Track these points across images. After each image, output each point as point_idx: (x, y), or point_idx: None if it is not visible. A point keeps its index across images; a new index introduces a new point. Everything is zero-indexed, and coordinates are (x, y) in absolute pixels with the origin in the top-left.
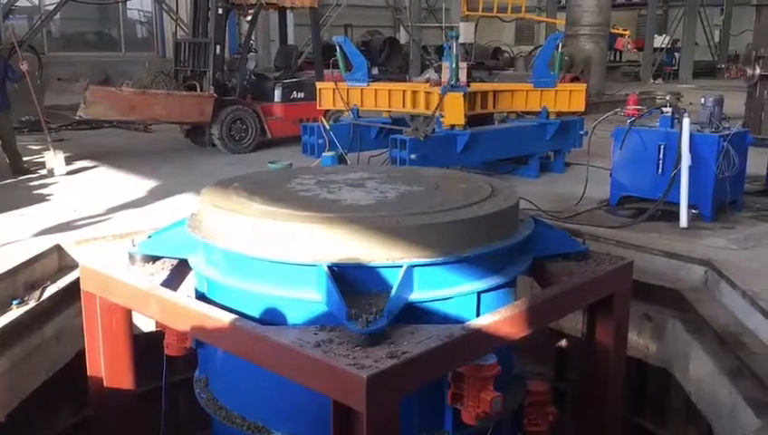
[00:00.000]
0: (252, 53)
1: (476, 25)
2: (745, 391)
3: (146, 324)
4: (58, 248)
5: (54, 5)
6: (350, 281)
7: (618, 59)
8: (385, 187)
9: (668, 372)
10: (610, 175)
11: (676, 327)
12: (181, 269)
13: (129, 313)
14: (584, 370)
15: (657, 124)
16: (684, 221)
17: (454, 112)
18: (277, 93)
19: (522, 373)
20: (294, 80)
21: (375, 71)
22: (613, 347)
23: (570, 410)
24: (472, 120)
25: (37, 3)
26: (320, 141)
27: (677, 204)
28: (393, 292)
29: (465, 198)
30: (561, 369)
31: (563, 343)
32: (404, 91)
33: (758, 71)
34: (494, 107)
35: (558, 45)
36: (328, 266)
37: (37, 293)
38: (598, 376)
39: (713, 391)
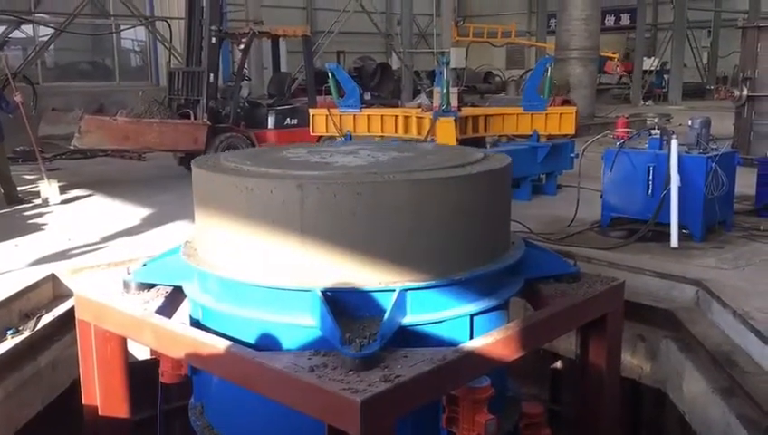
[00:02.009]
0: (245, 81)
1: (467, 50)
2: (738, 409)
3: (141, 352)
4: (53, 277)
5: (49, 36)
6: (343, 305)
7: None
8: (377, 153)
9: (663, 392)
10: (601, 197)
11: (669, 347)
12: (176, 296)
13: (123, 341)
14: (579, 391)
15: (647, 146)
16: (674, 241)
17: (445, 137)
18: (270, 120)
19: (516, 395)
20: (287, 106)
21: (367, 96)
22: (607, 368)
23: (565, 431)
24: (464, 144)
25: (32, 34)
26: None
27: (668, 224)
28: (386, 316)
29: (459, 159)
30: (556, 390)
31: (558, 364)
32: (396, 116)
33: (745, 92)
34: (485, 131)
35: (547, 69)
36: (321, 291)
37: (32, 322)
38: (592, 397)
39: (706, 410)
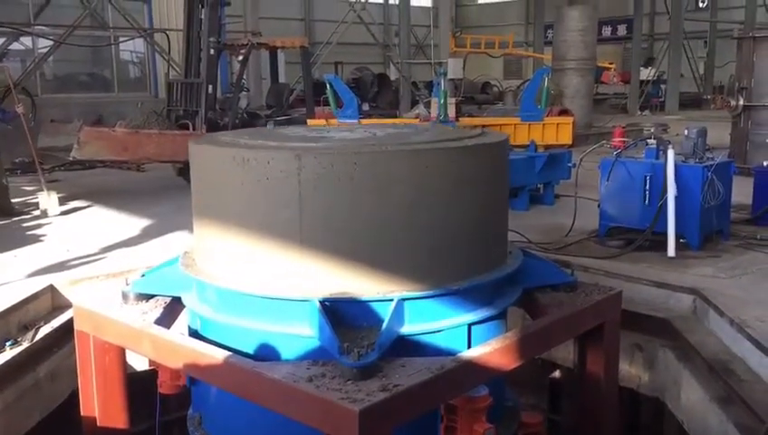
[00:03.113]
0: (244, 92)
1: (465, 61)
2: (736, 418)
3: (139, 363)
4: (51, 288)
5: (48, 48)
6: (341, 315)
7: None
8: (374, 130)
9: (661, 400)
10: (599, 206)
11: (666, 356)
12: (174, 307)
13: (122, 351)
14: (577, 400)
15: (643, 156)
16: (671, 251)
17: None
18: None
19: (515, 405)
20: (286, 117)
21: (366, 107)
22: (605, 377)
23: None
24: None
25: (31, 46)
26: None
27: (665, 234)
28: (384, 325)
29: (456, 134)
30: (555, 399)
31: (556, 373)
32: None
33: (741, 102)
34: None
35: (545, 80)
36: (320, 301)
37: (31, 333)
38: (591, 406)
39: (704, 418)
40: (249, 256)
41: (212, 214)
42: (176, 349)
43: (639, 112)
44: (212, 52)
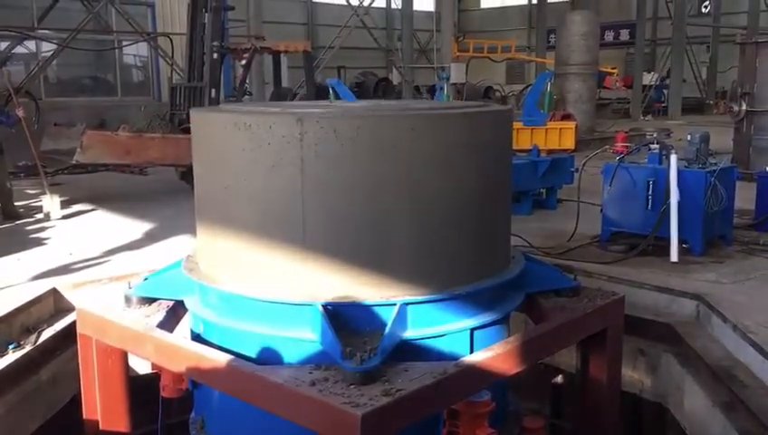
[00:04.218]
0: (246, 96)
1: (467, 66)
2: (739, 423)
3: (142, 366)
4: (54, 292)
5: (51, 52)
6: (344, 319)
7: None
8: (378, 101)
9: (663, 406)
10: (601, 211)
11: (669, 361)
12: (177, 310)
13: (125, 355)
14: (579, 405)
15: (646, 161)
16: (674, 256)
17: None
18: None
19: (517, 409)
20: None
21: None
22: (607, 382)
23: None
24: None
25: (34, 49)
26: None
27: (668, 239)
28: (387, 330)
29: (458, 105)
30: (557, 404)
31: (559, 378)
32: None
33: (744, 107)
34: None
35: (547, 84)
36: (322, 305)
37: (33, 336)
38: (593, 411)
39: (707, 424)
40: (250, 238)
41: (213, 184)
42: (178, 352)
43: (642, 117)
44: (215, 56)
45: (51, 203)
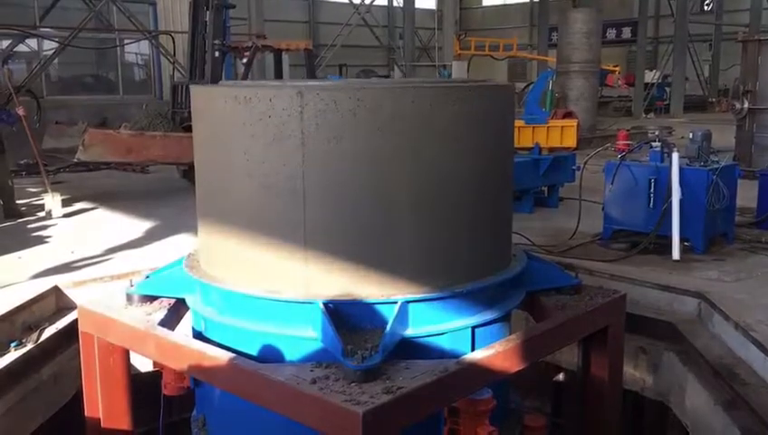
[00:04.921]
0: None
1: (469, 64)
2: (741, 422)
3: (143, 364)
4: (56, 290)
5: (53, 50)
6: (345, 317)
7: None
8: (383, 80)
9: (665, 404)
10: (603, 209)
11: (671, 359)
12: (178, 308)
13: (126, 353)
14: (581, 403)
15: (648, 159)
16: (676, 254)
17: None
18: None
19: (518, 407)
20: None
21: None
22: (609, 380)
23: None
24: None
25: (36, 48)
26: None
27: (669, 237)
28: (388, 327)
29: (459, 81)
30: (558, 402)
31: (560, 376)
32: None
33: (746, 105)
34: None
35: (549, 82)
36: (323, 303)
37: (35, 334)
38: (595, 409)
39: (709, 422)
40: (250, 219)
41: (214, 163)
42: (180, 350)
43: (644, 115)
44: (217, 54)
45: (52, 201)
